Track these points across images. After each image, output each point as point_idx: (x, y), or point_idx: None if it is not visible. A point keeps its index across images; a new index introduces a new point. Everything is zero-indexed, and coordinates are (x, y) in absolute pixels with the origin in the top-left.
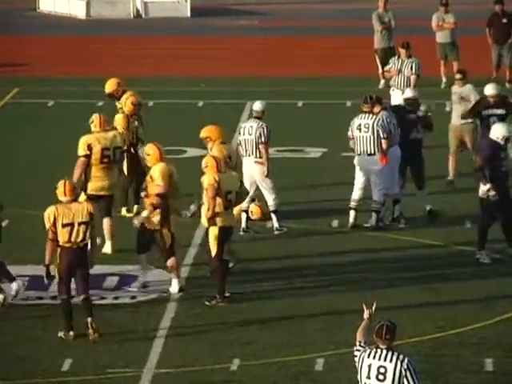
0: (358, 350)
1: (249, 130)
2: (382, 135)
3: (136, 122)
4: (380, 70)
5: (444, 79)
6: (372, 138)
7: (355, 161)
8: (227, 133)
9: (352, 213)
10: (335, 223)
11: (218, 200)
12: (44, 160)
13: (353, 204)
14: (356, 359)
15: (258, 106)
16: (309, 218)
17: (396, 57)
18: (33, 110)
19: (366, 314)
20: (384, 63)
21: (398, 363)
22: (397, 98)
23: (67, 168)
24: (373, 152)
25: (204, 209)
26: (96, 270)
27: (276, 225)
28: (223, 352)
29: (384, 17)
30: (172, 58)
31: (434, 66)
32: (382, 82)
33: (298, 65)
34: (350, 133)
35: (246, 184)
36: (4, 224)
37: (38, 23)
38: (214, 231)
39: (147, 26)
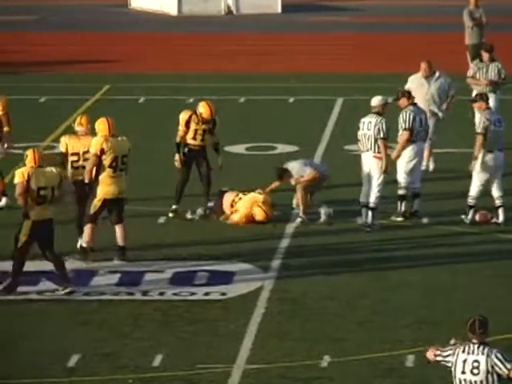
0: (445, 351)
1: (368, 126)
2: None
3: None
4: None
5: None
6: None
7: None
8: (317, 128)
9: (370, 212)
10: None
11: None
12: (133, 156)
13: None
14: (448, 358)
15: (374, 101)
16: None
17: (478, 60)
18: (124, 106)
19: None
20: (475, 59)
21: (490, 353)
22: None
23: (155, 164)
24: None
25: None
26: (186, 266)
27: (369, 222)
28: (313, 348)
29: (475, 13)
30: (263, 54)
31: None
32: None
33: (387, 61)
34: None
35: (364, 179)
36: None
37: (129, 20)
38: (27, 224)
39: (238, 23)
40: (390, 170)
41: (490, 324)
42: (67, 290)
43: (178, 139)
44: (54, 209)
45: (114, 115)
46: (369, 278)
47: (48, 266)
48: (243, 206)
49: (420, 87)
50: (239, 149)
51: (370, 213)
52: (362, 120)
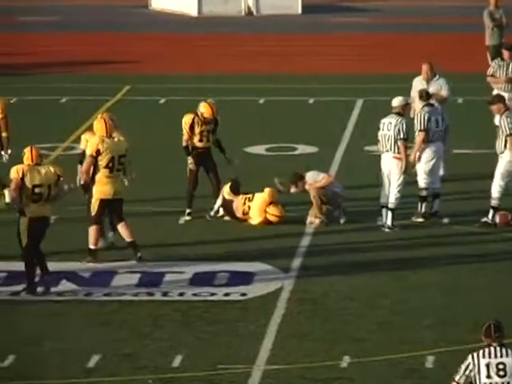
0: (462, 367)
1: (388, 126)
2: None
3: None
4: None
5: None
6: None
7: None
8: (337, 129)
9: (390, 213)
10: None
11: (27, 192)
12: (154, 158)
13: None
14: (470, 368)
15: (396, 101)
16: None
17: (499, 58)
18: (144, 107)
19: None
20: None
21: None
22: None
23: (176, 164)
24: None
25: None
26: (205, 267)
27: (389, 223)
28: (333, 349)
29: (495, 14)
30: (283, 55)
31: None
32: None
33: (407, 61)
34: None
35: (384, 179)
36: None
37: (149, 20)
38: (24, 222)
39: (259, 24)
40: (409, 170)
41: (504, 327)
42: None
43: (184, 143)
44: (51, 207)
45: (134, 116)
46: (389, 278)
47: (68, 266)
48: (255, 214)
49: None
50: (259, 150)
51: (389, 213)
52: (383, 121)
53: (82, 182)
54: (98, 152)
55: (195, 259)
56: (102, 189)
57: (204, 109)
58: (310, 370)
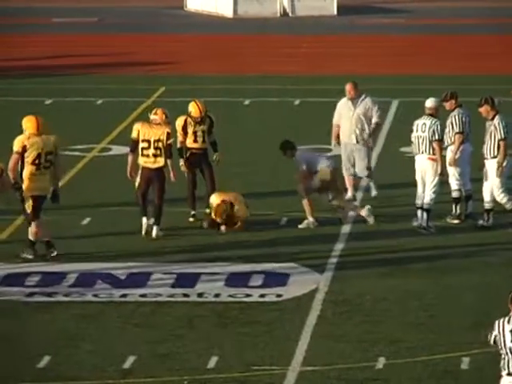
0: (490, 336)
1: (422, 128)
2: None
3: (200, 127)
4: None
5: None
6: None
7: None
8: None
9: (425, 214)
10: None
11: None
12: None
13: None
14: (495, 333)
15: (430, 102)
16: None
17: None
18: (179, 108)
19: None
20: None
21: None
22: None
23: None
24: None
25: None
26: (242, 268)
27: (424, 224)
28: (369, 350)
29: None
30: (318, 56)
31: None
32: None
33: (443, 63)
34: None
35: (419, 181)
36: None
37: (185, 22)
38: None
39: (294, 25)
40: (445, 171)
41: None
42: None
43: (178, 145)
44: None
45: (170, 117)
46: (424, 279)
47: (103, 266)
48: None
49: (348, 111)
50: None
51: (424, 214)
52: (416, 122)
53: (12, 180)
54: (25, 148)
55: (230, 260)
56: (31, 186)
57: (191, 108)
58: (345, 371)
